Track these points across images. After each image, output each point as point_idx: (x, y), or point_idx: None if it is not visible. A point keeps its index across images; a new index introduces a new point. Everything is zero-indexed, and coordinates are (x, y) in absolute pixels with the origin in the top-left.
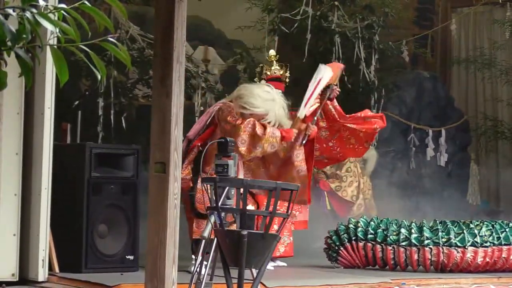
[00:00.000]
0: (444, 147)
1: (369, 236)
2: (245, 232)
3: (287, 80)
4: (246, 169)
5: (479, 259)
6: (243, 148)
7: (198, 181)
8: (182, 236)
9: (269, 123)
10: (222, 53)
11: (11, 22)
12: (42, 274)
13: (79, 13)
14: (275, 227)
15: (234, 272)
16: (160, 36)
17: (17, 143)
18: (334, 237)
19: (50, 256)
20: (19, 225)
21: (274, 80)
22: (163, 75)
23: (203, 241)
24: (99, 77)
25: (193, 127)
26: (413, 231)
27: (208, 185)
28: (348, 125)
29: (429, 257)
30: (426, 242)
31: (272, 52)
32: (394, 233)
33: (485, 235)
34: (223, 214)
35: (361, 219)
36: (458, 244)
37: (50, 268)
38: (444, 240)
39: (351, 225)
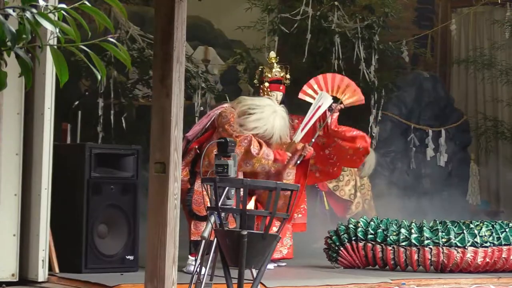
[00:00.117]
0: (444, 147)
1: (369, 236)
2: (245, 232)
3: (288, 82)
4: None
5: (479, 259)
6: None
7: (195, 183)
8: (182, 236)
9: (269, 138)
10: (222, 53)
11: (11, 22)
12: (42, 274)
13: (79, 13)
14: (274, 228)
15: (234, 272)
16: (160, 36)
17: (17, 143)
18: (334, 237)
19: (50, 256)
20: (19, 225)
21: (275, 83)
22: (163, 75)
23: (203, 241)
24: (99, 77)
25: (193, 128)
26: (413, 231)
27: (208, 185)
28: (336, 139)
29: (429, 257)
30: (426, 242)
31: (272, 54)
32: (394, 233)
33: (485, 235)
34: (223, 214)
35: (361, 219)
36: (458, 244)
37: (50, 268)
38: (444, 240)
39: (351, 225)
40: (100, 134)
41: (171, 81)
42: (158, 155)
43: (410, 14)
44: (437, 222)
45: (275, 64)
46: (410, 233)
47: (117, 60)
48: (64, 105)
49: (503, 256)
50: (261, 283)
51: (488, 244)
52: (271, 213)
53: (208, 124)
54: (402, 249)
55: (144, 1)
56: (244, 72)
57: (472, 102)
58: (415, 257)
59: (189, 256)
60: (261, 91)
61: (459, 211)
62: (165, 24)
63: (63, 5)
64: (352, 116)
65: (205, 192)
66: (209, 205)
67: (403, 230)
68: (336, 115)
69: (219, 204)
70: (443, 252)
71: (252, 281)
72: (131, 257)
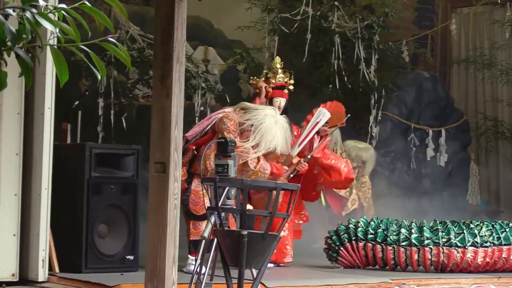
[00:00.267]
0: (444, 147)
1: (369, 236)
2: (245, 232)
3: (292, 87)
4: None
5: (479, 259)
6: None
7: (192, 183)
8: (182, 236)
9: (268, 152)
10: (222, 53)
11: (11, 22)
12: (42, 274)
13: (79, 13)
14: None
15: (234, 272)
16: (160, 36)
17: (17, 143)
18: (334, 237)
19: (50, 256)
20: (19, 225)
21: (279, 88)
22: (163, 75)
23: (203, 241)
24: (99, 77)
25: (193, 128)
26: (413, 231)
27: (208, 185)
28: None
29: (429, 257)
30: (426, 242)
31: (277, 59)
32: (394, 233)
33: (485, 235)
34: (223, 214)
35: (361, 219)
36: (458, 244)
37: (50, 268)
38: (444, 240)
39: (351, 225)
40: (100, 134)
41: (171, 81)
42: (158, 155)
43: (410, 14)
44: (437, 222)
45: (279, 70)
46: (410, 233)
47: (117, 60)
48: (64, 105)
49: (503, 256)
50: (261, 283)
51: (488, 244)
52: (271, 213)
53: (209, 127)
54: (402, 249)
55: (144, 1)
56: (244, 72)
57: (472, 102)
58: (415, 257)
59: (189, 256)
60: (258, 98)
61: (459, 211)
62: (165, 24)
63: (63, 5)
64: (352, 116)
65: (201, 192)
66: (208, 205)
67: (403, 230)
68: (327, 139)
69: (219, 204)
70: (443, 252)
71: (252, 281)
72: (131, 257)
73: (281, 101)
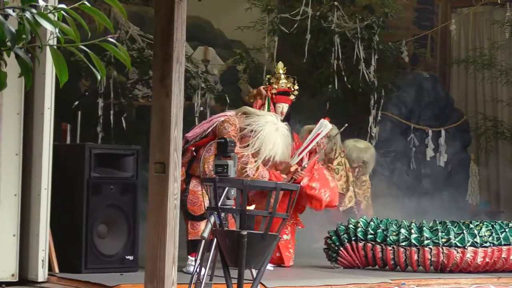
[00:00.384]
0: (444, 147)
1: (369, 236)
2: (245, 232)
3: (296, 93)
4: None
5: (479, 259)
6: None
7: (190, 183)
8: (181, 236)
9: (268, 160)
10: (222, 53)
11: (11, 22)
12: (42, 274)
13: (79, 13)
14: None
15: (234, 272)
16: (159, 36)
17: (17, 143)
18: (334, 237)
19: (50, 256)
20: (19, 225)
21: (282, 94)
22: (162, 75)
23: (203, 241)
24: (98, 77)
25: (193, 129)
26: (413, 231)
27: (208, 185)
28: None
29: (429, 257)
30: (426, 242)
31: (280, 64)
32: (394, 233)
33: (485, 235)
34: (223, 214)
35: (361, 219)
36: (458, 244)
37: (50, 268)
38: (444, 240)
39: (351, 226)
40: (100, 134)
41: (170, 81)
42: (158, 155)
43: (410, 14)
44: (437, 222)
45: (282, 75)
46: (410, 233)
47: (117, 60)
48: (64, 105)
49: (503, 256)
50: (261, 283)
51: (488, 244)
52: (271, 213)
53: (209, 130)
54: (402, 249)
55: (144, 1)
56: (244, 72)
57: (472, 102)
58: (415, 257)
59: (189, 256)
60: (256, 104)
61: (459, 211)
62: (165, 24)
63: (63, 5)
64: (352, 116)
65: (200, 192)
66: (207, 205)
67: (403, 230)
68: (316, 156)
69: (219, 204)
70: (443, 252)
71: (252, 281)
72: (131, 257)
73: (284, 107)
